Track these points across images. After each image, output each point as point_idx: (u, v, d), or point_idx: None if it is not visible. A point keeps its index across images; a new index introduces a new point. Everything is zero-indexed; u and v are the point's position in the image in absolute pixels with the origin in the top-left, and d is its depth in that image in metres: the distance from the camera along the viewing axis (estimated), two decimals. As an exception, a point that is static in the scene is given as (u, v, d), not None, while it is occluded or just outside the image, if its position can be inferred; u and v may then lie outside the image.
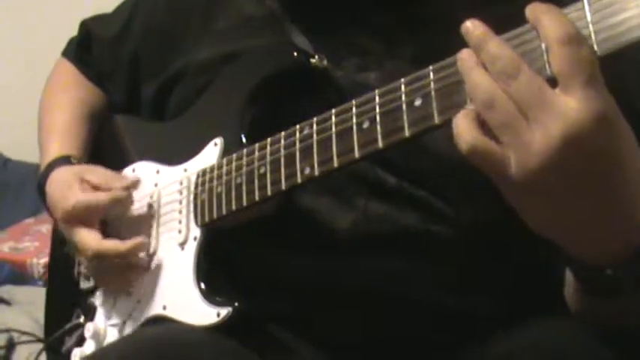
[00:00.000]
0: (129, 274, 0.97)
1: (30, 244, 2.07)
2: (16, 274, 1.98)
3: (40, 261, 1.95)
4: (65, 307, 1.09)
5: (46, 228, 2.09)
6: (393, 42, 0.89)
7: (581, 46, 0.58)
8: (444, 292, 0.85)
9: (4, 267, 2.00)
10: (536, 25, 0.60)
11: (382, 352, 0.86)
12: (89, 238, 0.97)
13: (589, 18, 0.58)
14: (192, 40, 1.02)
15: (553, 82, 0.59)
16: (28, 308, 1.74)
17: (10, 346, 1.64)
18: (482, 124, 0.61)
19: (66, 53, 1.23)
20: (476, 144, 0.61)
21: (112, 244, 0.96)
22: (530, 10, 0.61)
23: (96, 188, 1.00)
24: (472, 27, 0.63)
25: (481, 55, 0.62)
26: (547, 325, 0.77)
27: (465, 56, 0.63)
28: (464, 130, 0.61)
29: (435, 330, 0.85)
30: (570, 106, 0.58)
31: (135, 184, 1.00)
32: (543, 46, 0.60)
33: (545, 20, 0.59)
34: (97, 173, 1.02)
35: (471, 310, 0.85)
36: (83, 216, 0.98)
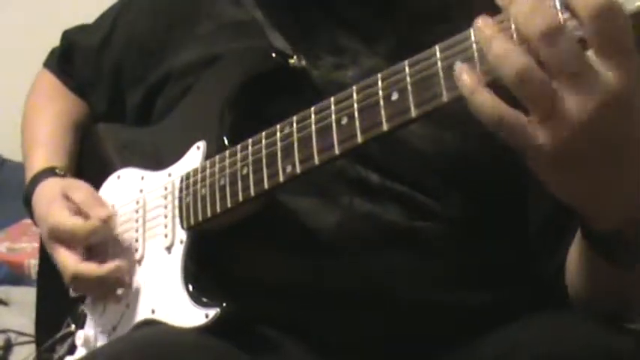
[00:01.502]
0: (109, 289, 0.97)
1: (27, 244, 2.07)
2: (13, 274, 1.98)
3: (37, 261, 1.95)
4: (56, 314, 1.09)
5: (43, 229, 2.09)
6: (370, 39, 0.90)
7: (615, 14, 0.56)
8: (439, 287, 0.85)
9: (2, 267, 2.00)
10: None
11: (378, 350, 0.86)
12: (67, 260, 0.97)
13: None
14: (175, 45, 1.02)
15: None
16: (25, 309, 1.73)
17: (8, 346, 1.64)
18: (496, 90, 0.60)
19: (47, 64, 1.23)
20: (502, 117, 0.59)
21: (90, 268, 0.96)
22: None
23: (78, 209, 0.99)
24: None
25: (513, 12, 0.58)
26: (546, 323, 0.77)
27: (481, 25, 0.60)
28: (487, 104, 0.59)
29: (433, 326, 0.85)
30: (608, 80, 0.57)
31: (112, 217, 0.98)
32: (560, 15, 0.58)
33: None
34: (81, 192, 1.01)
35: (469, 306, 0.85)
36: (62, 238, 0.98)
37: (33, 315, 1.51)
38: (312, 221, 0.87)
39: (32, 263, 1.97)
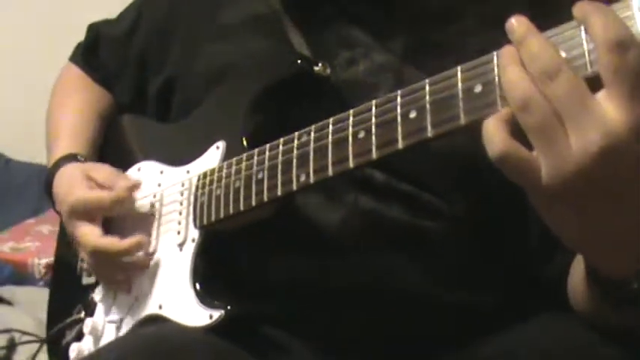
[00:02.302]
0: (128, 272, 0.98)
1: (31, 244, 2.07)
2: (17, 274, 1.98)
3: (41, 261, 1.96)
4: (67, 303, 1.10)
5: (47, 228, 2.10)
6: (383, 34, 0.90)
7: (629, 51, 0.55)
8: (441, 287, 0.86)
9: (6, 267, 2.00)
10: (583, 24, 0.57)
11: (380, 350, 0.87)
12: (90, 234, 0.98)
13: (637, 14, 0.56)
14: (196, 36, 1.03)
15: (593, 81, 0.57)
16: (29, 308, 1.74)
17: (11, 346, 1.64)
18: (513, 128, 0.59)
19: (73, 58, 1.25)
20: (507, 151, 0.58)
21: (111, 241, 0.97)
22: (578, 8, 0.58)
23: (100, 186, 1.01)
24: (516, 24, 0.59)
25: (521, 52, 0.59)
26: (545, 323, 0.78)
27: (504, 52, 0.60)
28: (494, 134, 0.59)
29: (434, 326, 0.86)
30: (612, 116, 0.55)
31: (137, 186, 1.01)
32: (585, 44, 0.57)
33: (593, 20, 0.56)
34: (102, 171, 1.03)
35: (470, 306, 0.86)
36: (85, 212, 0.99)
37: (37, 314, 1.52)
38: (317, 219, 0.87)
39: (36, 263, 1.97)
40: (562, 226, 0.62)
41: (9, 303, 1.84)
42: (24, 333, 1.65)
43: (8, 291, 1.89)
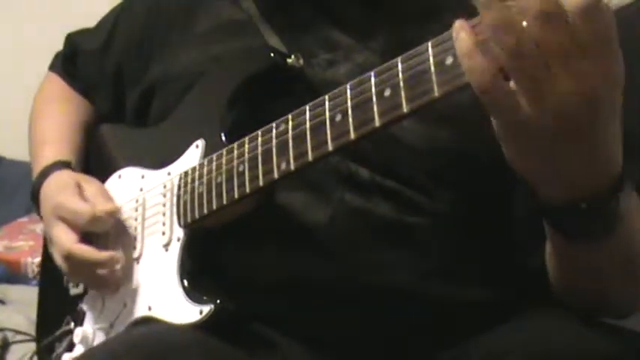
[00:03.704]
0: (102, 277, 0.98)
1: (24, 243, 2.07)
2: (10, 273, 1.98)
3: (34, 260, 1.95)
4: (56, 312, 1.10)
5: (40, 227, 2.09)
6: (364, 35, 0.90)
7: (603, 17, 0.58)
8: (430, 283, 0.86)
9: (-1, 266, 2.01)
10: None
11: (372, 347, 0.86)
12: (65, 237, 0.98)
13: None
14: (172, 45, 1.04)
15: None
16: (22, 307, 1.74)
17: (5, 345, 1.64)
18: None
19: (53, 67, 1.25)
20: (495, 82, 0.60)
21: (85, 250, 0.97)
22: None
23: (85, 200, 1.00)
24: None
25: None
26: (537, 321, 0.78)
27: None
28: (484, 66, 0.60)
29: (425, 323, 0.85)
30: (594, 71, 0.59)
31: (116, 212, 1.00)
32: None
33: None
34: (94, 186, 1.03)
35: (460, 301, 0.86)
36: (65, 218, 0.99)
37: (30, 313, 1.51)
38: (305, 217, 0.87)
39: (29, 262, 1.97)
40: (522, 155, 0.65)
41: (2, 302, 1.84)
42: (17, 332, 1.65)
43: (1, 290, 1.89)
